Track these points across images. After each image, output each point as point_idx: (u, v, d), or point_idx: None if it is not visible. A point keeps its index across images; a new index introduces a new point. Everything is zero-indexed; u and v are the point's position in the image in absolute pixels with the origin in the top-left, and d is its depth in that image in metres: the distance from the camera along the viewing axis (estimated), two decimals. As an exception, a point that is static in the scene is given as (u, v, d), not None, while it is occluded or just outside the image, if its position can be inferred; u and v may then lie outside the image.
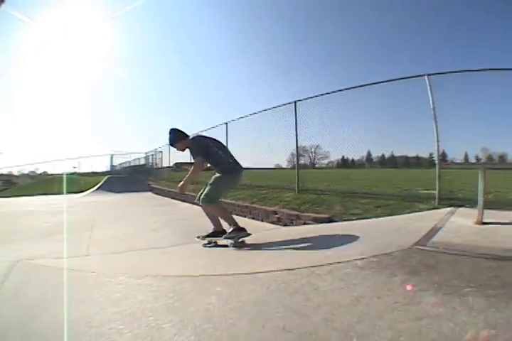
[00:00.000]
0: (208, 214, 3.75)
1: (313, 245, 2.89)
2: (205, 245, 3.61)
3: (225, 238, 3.44)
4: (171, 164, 12.49)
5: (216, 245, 3.59)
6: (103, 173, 24.51)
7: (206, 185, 3.69)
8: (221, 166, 3.62)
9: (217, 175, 3.67)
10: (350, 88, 5.73)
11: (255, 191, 7.30)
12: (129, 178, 16.38)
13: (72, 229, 5.50)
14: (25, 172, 31.37)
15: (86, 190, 14.97)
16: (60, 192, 14.90)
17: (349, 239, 2.86)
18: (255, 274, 2.09)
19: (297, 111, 6.50)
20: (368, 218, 4.03)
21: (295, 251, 2.80)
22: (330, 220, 4.17)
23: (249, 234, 3.40)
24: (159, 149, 15.87)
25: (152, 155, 17.71)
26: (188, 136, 3.81)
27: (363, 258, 2.02)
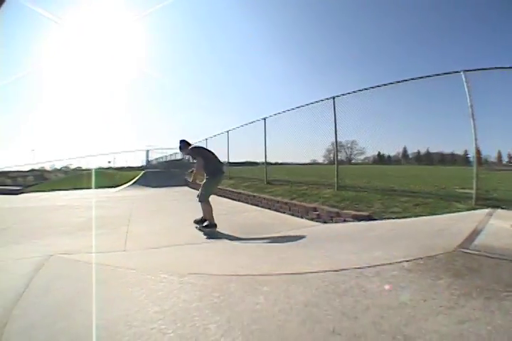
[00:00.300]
0: (201, 207, 4.83)
1: (357, 244, 2.92)
2: (197, 227, 4.89)
3: (202, 227, 4.78)
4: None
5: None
6: (139, 168, 25.26)
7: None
8: (208, 169, 4.90)
9: (206, 177, 4.93)
10: (388, 84, 5.74)
11: (294, 187, 7.46)
12: (166, 173, 16.75)
13: (108, 223, 5.54)
14: (58, 167, 31.45)
15: (121, 185, 15.20)
16: (93, 187, 15.13)
17: (393, 239, 2.92)
18: (302, 275, 2.07)
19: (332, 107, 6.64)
20: (407, 217, 4.08)
21: (339, 250, 2.82)
22: (370, 218, 4.26)
23: (216, 228, 4.63)
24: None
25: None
26: (190, 144, 5.47)
27: (410, 260, 2.05)
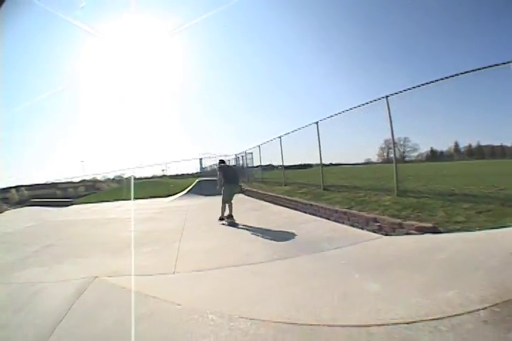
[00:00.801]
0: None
1: (427, 275, 2.62)
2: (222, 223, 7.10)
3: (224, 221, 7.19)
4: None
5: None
6: (194, 175, 25.86)
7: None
8: (225, 181, 7.31)
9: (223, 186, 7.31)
10: (439, 79, 5.59)
11: (352, 193, 7.35)
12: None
13: (159, 239, 5.56)
14: (111, 177, 31.34)
15: (175, 194, 15.36)
16: (146, 197, 15.43)
17: (464, 268, 2.64)
18: (367, 328, 1.85)
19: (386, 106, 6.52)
20: (472, 228, 3.96)
21: (409, 284, 2.49)
22: (434, 230, 4.15)
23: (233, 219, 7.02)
24: (249, 151, 16.65)
25: (242, 156, 18.66)
26: (223, 162, 8.32)
27: (485, 308, 1.82)
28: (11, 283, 3.53)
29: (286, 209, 8.43)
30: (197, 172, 26.74)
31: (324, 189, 8.76)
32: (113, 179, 31.00)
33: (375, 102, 6.79)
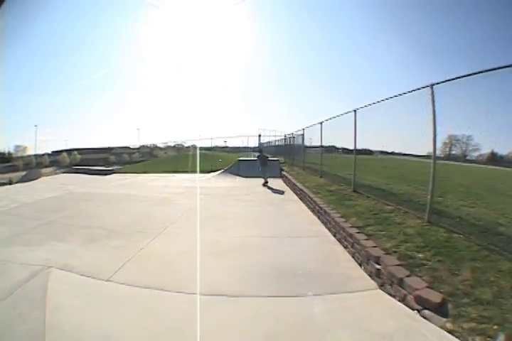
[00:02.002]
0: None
1: None
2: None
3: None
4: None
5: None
6: (253, 149, 25.31)
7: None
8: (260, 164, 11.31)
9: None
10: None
11: (380, 204, 5.82)
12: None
13: (142, 230, 5.29)
14: (172, 144, 31.59)
15: (216, 171, 14.97)
16: (188, 170, 15.75)
17: None
18: None
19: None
20: None
21: None
22: (440, 309, 2.60)
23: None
24: (299, 132, 14.91)
25: (292, 138, 17.08)
26: (260, 151, 11.99)
27: None
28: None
29: (304, 209, 7.18)
30: (255, 147, 26.14)
31: (354, 190, 7.16)
32: (174, 146, 31.53)
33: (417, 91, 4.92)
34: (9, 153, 60.07)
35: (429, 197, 4.56)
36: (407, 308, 2.79)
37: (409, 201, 5.54)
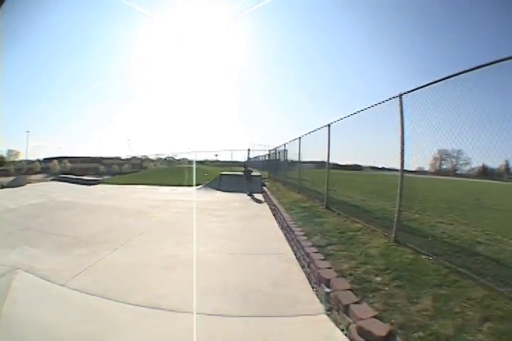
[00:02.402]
0: None
1: None
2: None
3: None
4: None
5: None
6: (242, 163, 25.06)
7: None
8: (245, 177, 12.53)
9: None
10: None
11: (349, 222, 5.41)
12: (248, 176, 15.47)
13: (106, 241, 5.34)
14: (163, 157, 31.54)
15: (198, 185, 14.75)
16: (172, 184, 15.61)
17: None
18: None
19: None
20: None
21: None
22: None
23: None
24: (281, 148, 14.34)
25: (274, 153, 16.65)
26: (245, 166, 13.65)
27: None
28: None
29: (274, 226, 6.73)
30: (243, 162, 25.78)
31: (327, 207, 6.68)
32: (164, 159, 30.84)
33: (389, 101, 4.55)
34: (1, 157, 59.48)
35: (396, 215, 4.10)
36: (347, 340, 2.28)
37: (382, 218, 5.12)
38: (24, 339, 2.46)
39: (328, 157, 6.79)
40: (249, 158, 25.49)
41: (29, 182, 18.05)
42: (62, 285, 3.53)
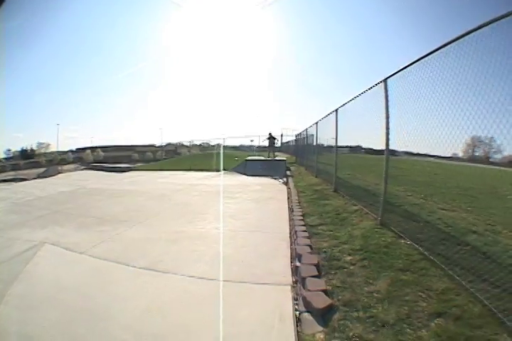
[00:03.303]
0: None
1: None
2: None
3: None
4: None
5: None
6: (278, 148, 24.95)
7: None
8: None
9: None
10: None
11: (350, 204, 5.40)
12: (272, 161, 15.14)
13: (126, 220, 5.74)
14: (197, 143, 31.29)
15: (225, 169, 15.01)
16: (202, 169, 16.00)
17: None
18: None
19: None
20: None
21: None
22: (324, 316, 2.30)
23: None
24: (303, 133, 14.29)
25: (301, 137, 16.49)
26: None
27: None
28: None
29: (283, 208, 6.74)
30: (278, 146, 25.68)
31: (335, 190, 6.72)
32: (199, 145, 31.25)
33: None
34: (32, 150, 63.34)
35: (381, 198, 4.09)
36: (290, 308, 2.43)
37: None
38: (36, 287, 3.10)
39: (336, 141, 6.87)
40: (282, 143, 25.47)
41: (60, 172, 19.08)
42: (80, 253, 4.08)
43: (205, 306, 2.64)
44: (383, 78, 4.21)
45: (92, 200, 8.35)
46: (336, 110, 6.76)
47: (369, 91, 4.92)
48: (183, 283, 3.13)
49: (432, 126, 3.58)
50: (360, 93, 5.34)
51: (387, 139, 4.09)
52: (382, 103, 4.24)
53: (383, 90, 4.17)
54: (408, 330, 2.05)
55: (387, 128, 4.07)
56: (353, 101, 5.86)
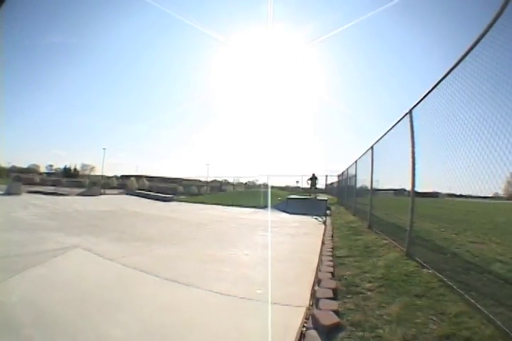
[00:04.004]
0: None
1: None
2: None
3: None
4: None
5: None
6: (320, 190, 24.82)
7: None
8: None
9: None
10: None
11: (381, 238, 5.41)
12: (313, 200, 15.38)
13: (157, 240, 6.01)
14: (243, 181, 31.35)
15: (266, 207, 15.12)
16: (246, 205, 16.21)
17: None
18: None
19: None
20: None
21: None
22: None
23: None
24: (347, 172, 14.34)
25: (342, 179, 16.53)
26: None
27: None
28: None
29: (317, 243, 6.82)
30: (321, 188, 25.57)
31: (369, 227, 6.73)
32: (245, 183, 31.73)
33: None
34: (75, 170, 66.98)
35: (408, 229, 4.15)
36: (298, 326, 2.57)
37: (414, 237, 5.03)
38: (54, 284, 3.34)
39: (372, 179, 7.00)
40: (326, 184, 25.48)
41: (102, 194, 20.08)
42: (110, 259, 4.39)
43: (215, 313, 2.78)
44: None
45: (130, 221, 8.74)
46: (372, 147, 6.96)
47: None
48: (202, 294, 3.29)
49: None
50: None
51: (413, 180, 4.24)
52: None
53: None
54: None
55: (414, 169, 4.25)
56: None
